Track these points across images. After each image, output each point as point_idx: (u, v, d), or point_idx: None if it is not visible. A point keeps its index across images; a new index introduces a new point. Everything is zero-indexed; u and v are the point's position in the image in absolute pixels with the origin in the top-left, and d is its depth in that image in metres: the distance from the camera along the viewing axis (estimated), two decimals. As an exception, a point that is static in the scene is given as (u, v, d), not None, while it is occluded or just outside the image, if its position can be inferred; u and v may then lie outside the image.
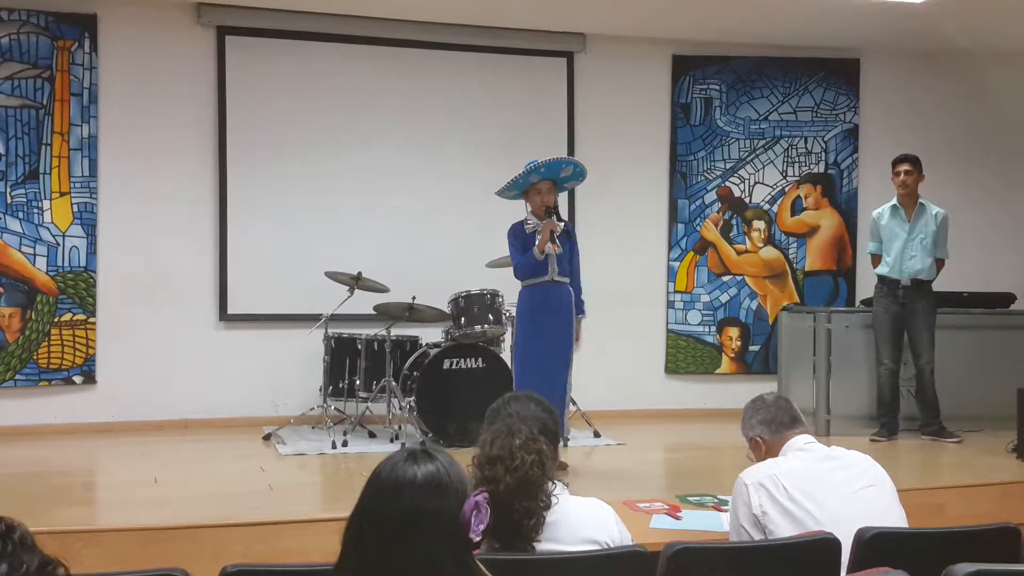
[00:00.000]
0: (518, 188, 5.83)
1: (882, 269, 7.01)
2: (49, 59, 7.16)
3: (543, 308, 5.75)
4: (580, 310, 5.96)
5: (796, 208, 8.63)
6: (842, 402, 7.23)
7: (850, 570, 2.77)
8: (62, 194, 7.20)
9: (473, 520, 1.98)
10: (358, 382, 6.96)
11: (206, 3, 7.45)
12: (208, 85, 7.56)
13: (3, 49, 7.06)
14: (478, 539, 1.99)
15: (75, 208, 7.23)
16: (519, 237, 5.83)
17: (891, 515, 3.10)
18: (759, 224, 8.59)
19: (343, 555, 2.00)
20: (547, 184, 5.78)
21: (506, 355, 6.85)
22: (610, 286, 7.85)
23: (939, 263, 6.97)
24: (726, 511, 4.00)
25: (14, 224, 7.10)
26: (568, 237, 5.90)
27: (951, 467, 6.27)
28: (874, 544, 2.78)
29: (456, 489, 2.00)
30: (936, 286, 7.01)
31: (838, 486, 3.12)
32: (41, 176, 7.16)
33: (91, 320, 7.27)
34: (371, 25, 7.70)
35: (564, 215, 6.71)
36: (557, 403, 5.52)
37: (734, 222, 8.57)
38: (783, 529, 3.02)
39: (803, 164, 8.64)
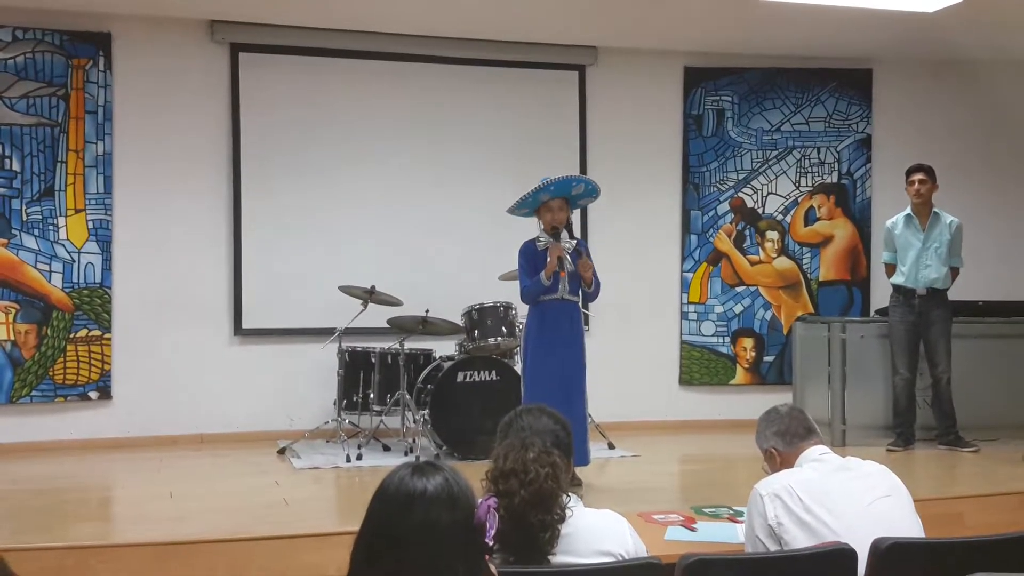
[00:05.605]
0: (528, 206, 5.72)
1: (897, 278, 6.99)
2: (64, 77, 7.22)
3: (553, 327, 5.65)
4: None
5: (810, 218, 8.62)
6: (857, 412, 7.19)
7: (866, 581, 2.76)
8: (77, 211, 7.25)
9: (487, 524, 1.99)
10: (372, 396, 6.97)
11: (220, 20, 7.49)
12: (222, 102, 7.60)
13: (18, 68, 7.12)
14: (491, 543, 2.00)
15: (90, 225, 7.27)
16: (529, 259, 5.71)
17: (908, 525, 3.09)
18: (772, 234, 8.58)
19: (352, 572, 2.00)
20: (558, 202, 5.65)
21: (519, 368, 6.84)
22: (623, 297, 7.86)
23: (954, 272, 6.95)
24: (741, 522, 3.97)
25: (30, 241, 7.15)
26: (579, 256, 5.70)
27: (968, 476, 6.24)
28: (891, 554, 2.77)
29: (466, 498, 2.02)
30: (951, 295, 6.98)
31: (854, 496, 3.10)
32: (56, 193, 7.21)
33: (107, 336, 7.30)
34: (383, 41, 7.74)
35: (576, 227, 6.68)
36: (577, 427, 5.46)
37: (747, 233, 8.56)
38: (799, 540, 3.01)
39: (816, 174, 8.62)
